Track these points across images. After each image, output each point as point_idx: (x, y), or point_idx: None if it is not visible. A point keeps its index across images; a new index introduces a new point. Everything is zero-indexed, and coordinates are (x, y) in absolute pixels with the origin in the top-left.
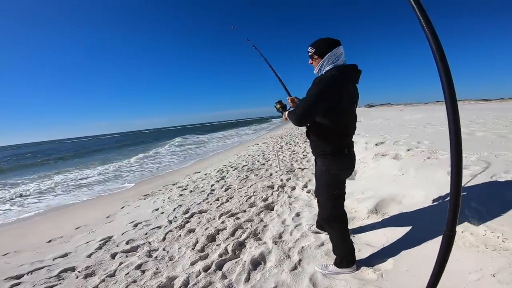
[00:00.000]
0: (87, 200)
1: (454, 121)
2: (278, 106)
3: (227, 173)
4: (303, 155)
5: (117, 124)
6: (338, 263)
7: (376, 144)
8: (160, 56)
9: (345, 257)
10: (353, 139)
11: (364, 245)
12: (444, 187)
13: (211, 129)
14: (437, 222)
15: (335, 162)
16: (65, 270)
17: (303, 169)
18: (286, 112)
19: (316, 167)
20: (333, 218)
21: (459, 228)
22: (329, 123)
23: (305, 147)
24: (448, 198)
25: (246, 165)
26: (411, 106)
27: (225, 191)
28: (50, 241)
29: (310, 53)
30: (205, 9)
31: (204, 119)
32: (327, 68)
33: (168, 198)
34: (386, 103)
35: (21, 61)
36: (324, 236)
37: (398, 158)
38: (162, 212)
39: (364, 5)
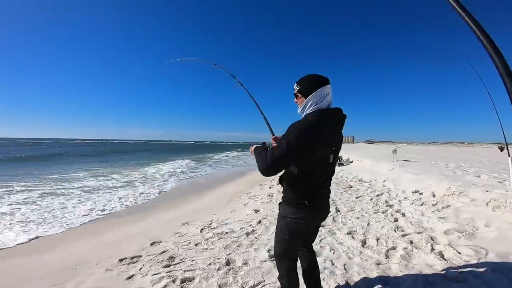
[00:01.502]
0: None
1: None
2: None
3: (205, 243)
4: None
5: (102, 131)
6: None
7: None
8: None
9: None
10: (328, 191)
11: None
12: None
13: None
14: None
15: (292, 211)
16: None
17: None
18: (254, 147)
19: (279, 210)
20: (282, 256)
21: None
22: (296, 172)
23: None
24: None
25: (236, 242)
26: (406, 145)
27: None
28: None
29: (295, 91)
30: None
31: (208, 137)
32: (309, 111)
33: None
34: (387, 140)
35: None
36: None
37: None
38: None
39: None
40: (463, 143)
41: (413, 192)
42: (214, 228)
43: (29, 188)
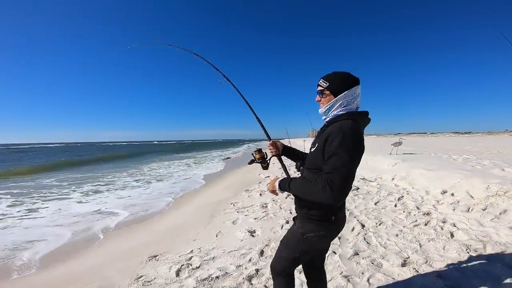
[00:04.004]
0: None
1: None
2: (258, 156)
3: None
4: None
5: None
6: None
7: None
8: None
9: None
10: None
11: None
12: None
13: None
14: None
15: (316, 227)
16: None
17: None
18: (277, 182)
19: (293, 225)
20: (281, 273)
21: None
22: None
23: None
24: None
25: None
26: (376, 136)
27: None
28: None
29: (321, 88)
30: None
31: (190, 136)
32: (339, 112)
33: None
34: None
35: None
36: None
37: None
38: None
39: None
40: (426, 133)
41: (442, 193)
42: (197, 268)
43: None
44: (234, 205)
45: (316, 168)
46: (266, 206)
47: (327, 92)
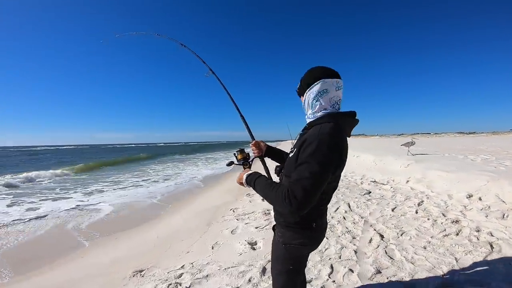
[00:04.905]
0: None
1: None
2: (240, 156)
3: None
4: None
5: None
6: None
7: None
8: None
9: None
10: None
11: None
12: None
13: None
14: None
15: (296, 236)
16: None
17: None
18: (245, 176)
19: (274, 236)
20: None
21: None
22: None
23: None
24: None
25: None
26: (378, 137)
27: None
28: None
29: (297, 91)
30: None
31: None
32: (317, 114)
33: None
34: (361, 133)
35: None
36: None
37: None
38: None
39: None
40: (429, 133)
41: (467, 197)
42: None
43: None
44: (234, 211)
45: (290, 176)
46: (269, 213)
47: (301, 95)
